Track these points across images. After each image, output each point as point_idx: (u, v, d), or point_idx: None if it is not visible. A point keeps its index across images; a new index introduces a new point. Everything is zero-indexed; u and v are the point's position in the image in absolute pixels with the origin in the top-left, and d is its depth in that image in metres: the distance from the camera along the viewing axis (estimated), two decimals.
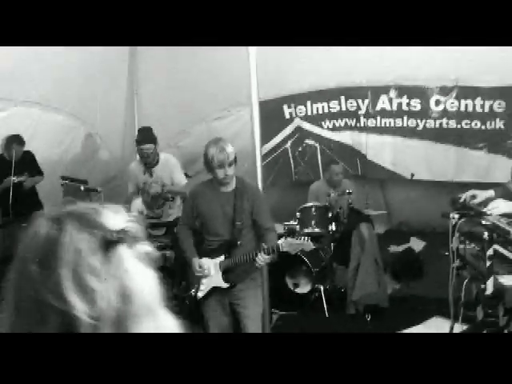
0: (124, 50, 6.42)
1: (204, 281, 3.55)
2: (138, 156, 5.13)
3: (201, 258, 3.54)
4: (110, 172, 7.06)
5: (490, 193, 3.17)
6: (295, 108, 6.73)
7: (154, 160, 4.92)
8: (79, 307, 0.83)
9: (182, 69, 6.43)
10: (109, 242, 0.87)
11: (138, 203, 5.00)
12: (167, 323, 1.14)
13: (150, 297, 0.98)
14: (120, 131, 6.90)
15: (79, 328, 0.85)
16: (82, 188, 5.08)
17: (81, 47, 4.57)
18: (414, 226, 7.38)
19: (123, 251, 0.89)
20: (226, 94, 6.38)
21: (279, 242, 3.30)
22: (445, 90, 6.11)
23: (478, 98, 5.97)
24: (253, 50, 4.08)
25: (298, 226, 5.14)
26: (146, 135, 4.90)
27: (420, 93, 6.23)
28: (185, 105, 6.69)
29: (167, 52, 5.99)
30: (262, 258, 3.28)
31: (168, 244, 4.74)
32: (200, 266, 3.49)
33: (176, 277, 4.98)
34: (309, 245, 3.33)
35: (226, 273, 3.51)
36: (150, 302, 0.99)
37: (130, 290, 0.90)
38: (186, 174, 5.55)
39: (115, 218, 0.92)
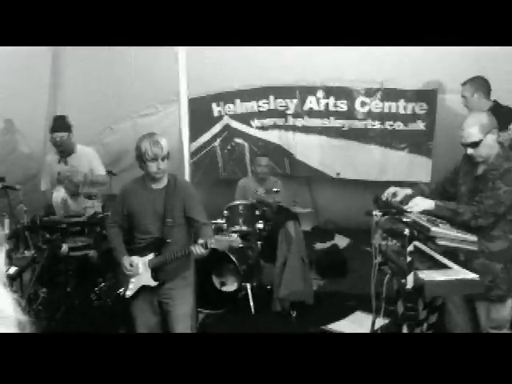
0: (47, 48, 6.17)
1: (133, 280, 3.49)
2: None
3: (130, 256, 3.47)
4: (31, 169, 6.74)
5: (408, 191, 3.29)
6: (224, 106, 6.70)
7: (69, 148, 4.90)
8: None
9: (107, 65, 6.24)
10: None
11: (59, 194, 4.85)
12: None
13: None
14: (41, 127, 6.61)
15: None
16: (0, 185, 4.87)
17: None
18: (339, 224, 7.55)
19: None
20: (153, 90, 6.26)
21: (206, 239, 3.29)
22: (370, 92, 6.28)
23: (402, 100, 6.17)
24: (182, 48, 4.03)
25: (225, 225, 5.13)
26: (59, 123, 4.88)
27: (346, 94, 6.37)
28: (110, 101, 6.50)
29: (92, 49, 5.81)
30: (199, 251, 3.25)
31: (90, 243, 4.59)
32: (130, 264, 3.43)
33: (99, 276, 4.86)
34: (237, 240, 3.33)
35: (156, 271, 3.46)
36: None
37: None
38: (111, 172, 5.44)
39: None
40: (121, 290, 3.57)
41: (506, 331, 3.19)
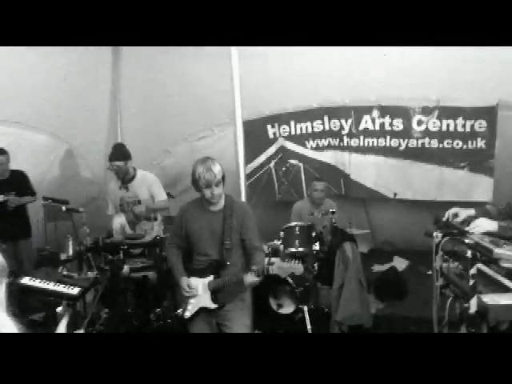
0: (107, 70, 6.42)
1: (192, 301, 3.51)
2: None
3: (189, 277, 3.50)
4: (92, 192, 6.99)
5: (471, 211, 3.19)
6: (279, 128, 6.75)
7: (128, 175, 4.98)
8: None
9: (166, 89, 6.43)
10: None
11: (119, 220, 4.97)
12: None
13: None
14: (102, 150, 6.85)
15: None
16: (64, 208, 5.05)
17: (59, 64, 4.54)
18: (397, 245, 7.40)
19: None
20: (209, 113, 6.39)
21: (269, 265, 3.28)
22: (427, 110, 6.17)
23: (460, 118, 6.03)
24: (236, 70, 4.11)
25: (281, 246, 5.13)
26: (116, 151, 4.97)
27: (402, 113, 6.29)
28: (168, 124, 6.68)
29: (150, 72, 6.01)
30: (252, 280, 3.27)
31: (150, 264, 4.68)
32: (189, 286, 3.46)
33: (158, 298, 4.94)
34: (299, 268, 3.30)
35: (215, 293, 3.47)
36: None
37: None
38: (169, 194, 5.54)
39: None
40: (179, 310, 3.59)
41: None
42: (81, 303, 4.35)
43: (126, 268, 4.31)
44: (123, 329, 4.59)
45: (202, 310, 3.50)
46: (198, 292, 3.48)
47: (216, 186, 3.31)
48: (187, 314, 3.52)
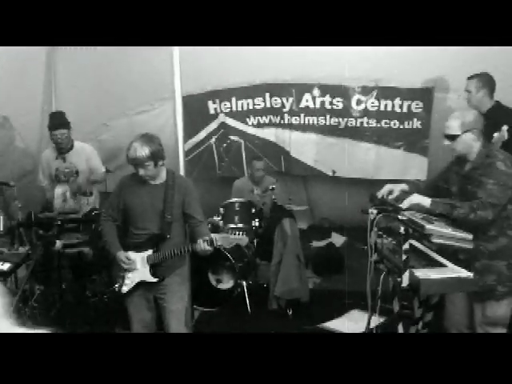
0: (42, 47, 6.13)
1: (129, 275, 3.48)
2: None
3: (126, 251, 3.46)
4: (26, 165, 6.71)
5: (404, 186, 3.30)
6: (220, 104, 6.68)
7: (68, 145, 4.92)
8: None
9: (102, 63, 6.21)
10: None
11: (62, 188, 4.85)
12: None
13: None
14: (37, 123, 6.58)
15: None
16: None
17: None
18: (335, 222, 7.55)
19: None
20: (150, 88, 6.24)
21: (213, 236, 3.31)
22: (366, 90, 6.27)
23: (397, 99, 6.17)
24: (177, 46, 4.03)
25: (221, 222, 5.13)
26: (58, 120, 4.88)
27: (342, 92, 6.36)
28: (106, 98, 6.48)
29: (87, 48, 5.79)
30: (204, 247, 3.27)
31: (85, 240, 4.58)
32: (128, 258, 3.42)
33: (94, 273, 4.86)
34: (244, 239, 3.34)
35: (154, 267, 3.45)
36: None
37: None
38: (107, 169, 5.42)
39: None
40: (116, 285, 3.54)
41: (499, 330, 3.19)
42: (12, 279, 4.21)
43: (58, 243, 4.20)
44: (58, 305, 4.50)
45: (140, 285, 3.48)
46: (137, 266, 3.44)
47: (141, 168, 3.29)
48: (125, 289, 3.49)
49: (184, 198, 3.43)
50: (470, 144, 3.13)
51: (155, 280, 3.45)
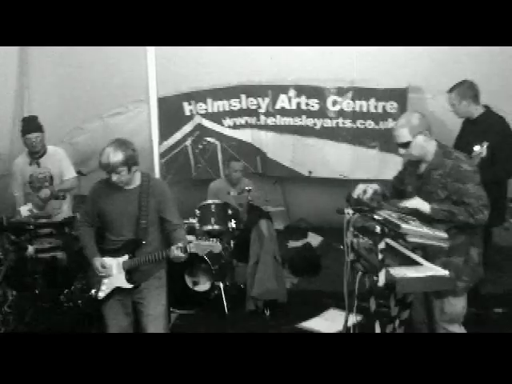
0: (14, 48, 6.02)
1: (105, 281, 3.43)
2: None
3: (103, 257, 3.41)
4: None
5: (375, 186, 3.32)
6: (195, 105, 6.65)
7: (42, 149, 4.82)
8: None
9: (77, 65, 6.13)
10: None
11: (26, 208, 4.75)
12: None
13: None
14: (8, 128, 6.45)
15: None
16: None
17: None
18: (312, 222, 7.57)
19: None
20: (124, 90, 6.18)
21: (187, 243, 3.26)
22: (341, 91, 6.30)
23: (372, 99, 6.21)
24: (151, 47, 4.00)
25: (197, 224, 5.10)
26: (31, 124, 4.78)
27: (318, 93, 6.38)
28: (79, 100, 6.39)
29: (60, 49, 5.70)
30: (178, 254, 3.23)
31: (59, 244, 4.50)
32: (103, 265, 3.37)
33: (69, 278, 4.77)
34: (218, 246, 3.31)
35: (130, 273, 3.41)
36: None
37: None
38: (80, 172, 5.35)
39: None
40: (92, 291, 3.49)
41: (456, 327, 3.24)
42: None
43: (30, 249, 4.12)
44: (31, 311, 4.41)
45: (117, 291, 3.43)
46: (113, 272, 3.40)
47: (114, 174, 3.22)
48: (101, 295, 3.44)
49: (160, 202, 3.39)
50: (424, 146, 3.17)
51: (130, 286, 3.41)
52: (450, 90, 4.38)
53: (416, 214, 2.99)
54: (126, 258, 3.39)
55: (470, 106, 4.30)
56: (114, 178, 3.24)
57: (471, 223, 3.00)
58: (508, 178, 4.32)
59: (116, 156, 3.17)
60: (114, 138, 3.35)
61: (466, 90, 4.30)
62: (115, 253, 3.41)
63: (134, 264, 3.38)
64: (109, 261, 3.40)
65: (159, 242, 3.48)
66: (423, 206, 3.04)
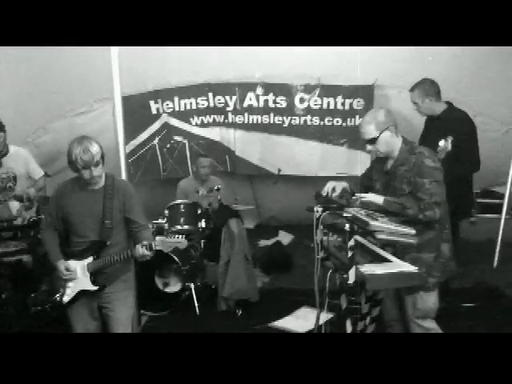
0: None
1: (70, 284, 3.36)
2: None
3: (67, 260, 3.34)
4: None
5: (344, 184, 3.34)
6: (162, 103, 6.57)
7: (4, 149, 4.74)
8: None
9: (39, 64, 5.98)
10: None
11: (15, 205, 4.67)
12: None
13: None
14: None
15: None
16: None
17: None
18: (282, 220, 7.57)
19: None
20: (89, 88, 6.06)
21: (153, 241, 3.21)
22: (308, 88, 6.32)
23: (339, 96, 6.25)
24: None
25: (166, 224, 5.04)
26: None
27: (285, 90, 6.38)
28: (43, 100, 6.25)
29: (23, 49, 5.55)
30: (143, 252, 3.17)
31: (24, 247, 4.40)
32: (67, 269, 3.30)
33: (35, 282, 4.67)
34: (184, 242, 3.27)
35: (95, 275, 3.34)
36: None
37: None
38: (46, 174, 5.24)
39: None
40: (57, 295, 3.42)
41: (429, 322, 3.28)
42: None
43: None
44: None
45: (82, 294, 3.36)
46: (77, 275, 3.33)
47: (95, 167, 3.15)
48: (66, 299, 3.38)
49: (124, 202, 3.34)
50: (391, 141, 3.20)
51: (95, 288, 3.34)
52: (412, 89, 4.45)
53: (371, 206, 3.02)
54: (90, 259, 3.33)
55: (432, 103, 4.39)
56: (88, 174, 3.15)
57: (420, 218, 3.02)
58: (473, 171, 4.38)
59: (95, 147, 3.13)
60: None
61: (428, 87, 4.37)
62: (79, 255, 3.34)
63: (98, 266, 3.32)
64: (73, 264, 3.33)
65: (124, 242, 3.43)
66: (376, 198, 3.07)
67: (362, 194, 3.10)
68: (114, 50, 3.93)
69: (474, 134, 4.23)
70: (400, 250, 3.05)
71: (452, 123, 4.25)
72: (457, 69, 5.35)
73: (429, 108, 4.41)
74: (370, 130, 3.17)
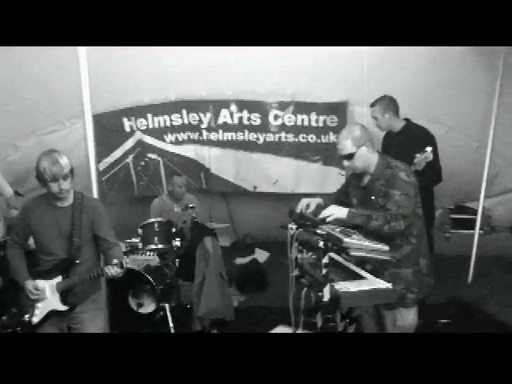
0: None
1: (39, 304, 3.28)
2: None
3: (35, 280, 3.26)
4: None
5: (319, 200, 3.33)
6: (136, 121, 6.51)
7: None
8: None
9: (9, 82, 5.90)
10: None
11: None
12: None
13: None
14: None
15: None
16: None
17: None
18: (258, 238, 7.53)
19: None
20: (60, 106, 5.98)
21: (122, 259, 3.18)
22: (282, 105, 6.33)
23: (313, 113, 6.27)
24: (84, 58, 3.88)
25: (140, 244, 4.95)
26: None
27: (259, 107, 6.39)
28: (14, 117, 6.14)
29: None
30: (114, 271, 3.13)
31: None
32: (35, 288, 3.22)
33: (5, 303, 4.54)
34: (155, 260, 3.24)
35: (65, 294, 3.27)
36: None
37: None
38: (17, 192, 5.14)
39: None
40: (26, 316, 3.33)
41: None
42: None
43: None
44: None
45: (52, 314, 3.29)
46: (46, 295, 3.25)
47: (64, 180, 3.10)
48: (35, 320, 3.30)
49: (93, 220, 3.29)
50: (368, 157, 3.22)
51: (65, 308, 3.27)
52: (373, 104, 4.59)
53: (335, 220, 3.01)
54: (59, 279, 3.26)
55: (391, 119, 4.53)
56: (57, 187, 3.10)
57: (385, 230, 3.02)
58: (435, 184, 4.49)
59: (64, 160, 3.09)
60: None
61: (388, 103, 4.52)
62: (48, 274, 3.28)
63: (68, 285, 3.25)
64: (41, 283, 3.26)
65: (94, 260, 3.39)
66: (340, 211, 3.06)
67: (325, 213, 3.07)
68: (85, 66, 3.89)
69: (435, 148, 4.30)
70: (379, 266, 3.04)
71: (413, 139, 4.37)
72: (426, 84, 5.43)
73: (388, 123, 4.55)
74: (346, 146, 3.18)
